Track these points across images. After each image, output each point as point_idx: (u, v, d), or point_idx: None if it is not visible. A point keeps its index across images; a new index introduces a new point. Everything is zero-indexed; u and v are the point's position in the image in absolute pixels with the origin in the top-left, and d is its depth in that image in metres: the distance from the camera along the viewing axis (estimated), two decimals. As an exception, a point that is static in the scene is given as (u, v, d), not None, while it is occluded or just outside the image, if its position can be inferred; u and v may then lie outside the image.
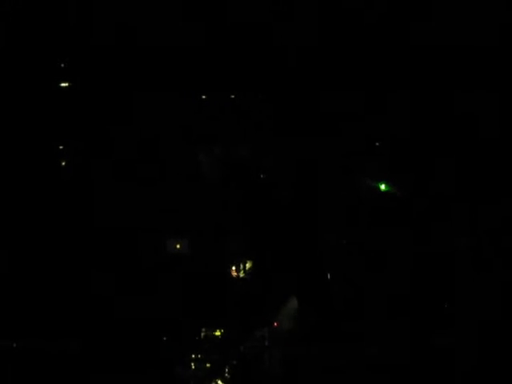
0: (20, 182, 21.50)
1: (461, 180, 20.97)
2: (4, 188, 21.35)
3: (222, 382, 21.16)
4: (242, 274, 22.04)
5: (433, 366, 19.87)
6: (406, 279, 21.01)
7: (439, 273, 20.80)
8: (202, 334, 21.59)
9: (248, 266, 22.09)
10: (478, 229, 20.64)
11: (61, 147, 22.15)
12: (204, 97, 22.47)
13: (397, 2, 21.22)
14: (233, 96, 22.41)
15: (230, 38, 21.55)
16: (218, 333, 21.68)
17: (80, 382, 20.13)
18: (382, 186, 21.94)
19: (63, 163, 22.14)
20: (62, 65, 21.75)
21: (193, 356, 21.26)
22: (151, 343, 20.97)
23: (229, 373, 21.19)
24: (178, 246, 22.11)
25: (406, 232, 21.26)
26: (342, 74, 21.70)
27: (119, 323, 20.95)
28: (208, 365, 21.27)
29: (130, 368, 20.47)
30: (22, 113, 21.48)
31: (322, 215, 22.00)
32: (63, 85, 21.96)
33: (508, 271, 20.09)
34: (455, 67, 21.04)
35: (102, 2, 21.31)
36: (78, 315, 20.84)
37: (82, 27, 21.39)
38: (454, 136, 21.28)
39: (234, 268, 22.06)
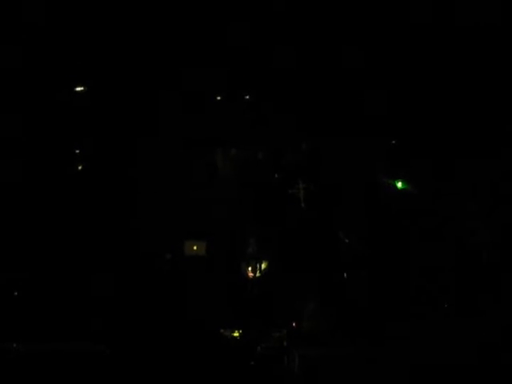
0: (29, 185, 21.73)
1: (477, 179, 20.71)
2: (13, 192, 21.59)
3: (241, 382, 21.14)
4: (258, 275, 22.02)
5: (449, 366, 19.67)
6: (424, 278, 20.84)
7: (456, 271, 20.62)
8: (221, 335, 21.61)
9: (264, 266, 22.07)
10: (494, 227, 20.39)
11: (77, 151, 22.35)
12: (219, 98, 22.48)
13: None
14: (247, 97, 22.41)
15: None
16: (236, 334, 21.69)
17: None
18: (399, 184, 21.78)
19: (80, 167, 22.34)
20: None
21: (212, 356, 21.29)
22: (168, 344, 20.99)
23: (247, 373, 21.17)
24: (195, 248, 22.17)
25: (423, 230, 21.09)
26: (355, 74, 21.63)
27: (137, 324, 21.05)
28: (226, 365, 21.27)
29: (149, 368, 20.56)
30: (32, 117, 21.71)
31: (339, 214, 21.89)
32: (78, 89, 22.14)
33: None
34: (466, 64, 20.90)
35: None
36: (94, 317, 20.97)
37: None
38: (471, 134, 21.07)
39: (250, 269, 22.05)
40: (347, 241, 21.61)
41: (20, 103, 21.37)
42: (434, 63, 21.24)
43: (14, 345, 19.57)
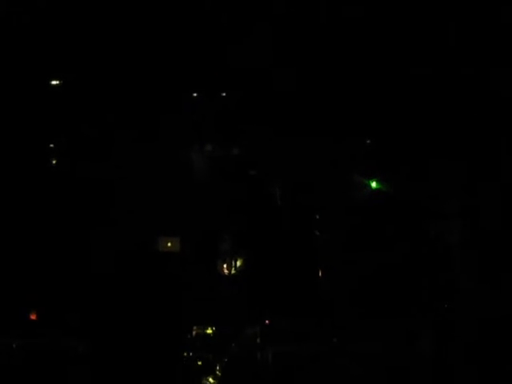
0: (17, 183, 21.51)
1: (453, 177, 20.96)
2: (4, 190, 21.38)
3: (214, 379, 21.16)
4: (233, 271, 22.04)
5: (430, 365, 19.90)
6: (398, 277, 21.04)
7: (432, 271, 20.85)
8: (194, 332, 21.58)
9: (239, 263, 22.09)
10: (469, 226, 20.66)
11: (52, 146, 22.13)
12: (195, 95, 22.42)
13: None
14: (224, 94, 22.39)
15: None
16: (209, 331, 21.68)
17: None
18: (373, 184, 21.95)
19: (54, 162, 22.13)
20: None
21: (185, 354, 21.27)
22: (143, 341, 20.92)
23: (220, 370, 21.20)
24: (169, 244, 22.09)
25: (397, 229, 21.29)
26: (335, 76, 21.76)
27: (111, 322, 20.95)
28: (200, 362, 21.28)
29: (124, 367, 20.47)
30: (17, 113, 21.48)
31: (314, 212, 22.01)
32: (54, 83, 21.91)
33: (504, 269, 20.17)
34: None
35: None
36: (71, 313, 20.82)
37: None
38: (447, 133, 21.29)
39: (225, 265, 22.05)
40: (320, 235, 21.72)
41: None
42: (411, 62, 21.41)
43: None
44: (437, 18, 20.85)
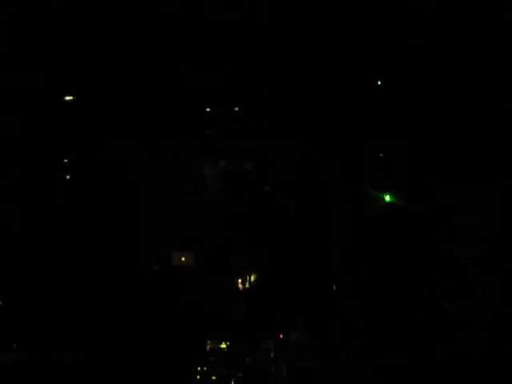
0: (25, 193, 21.66)
1: (465, 191, 20.94)
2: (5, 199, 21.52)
3: (228, 394, 21.16)
4: (247, 286, 22.04)
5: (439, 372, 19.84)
6: (413, 291, 21.02)
7: (444, 280, 20.84)
8: (208, 347, 21.57)
9: (253, 278, 22.09)
10: (481, 238, 20.65)
11: (65, 160, 22.29)
12: (208, 110, 22.53)
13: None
14: (237, 109, 22.48)
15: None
16: (223, 345, 21.67)
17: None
18: (387, 197, 21.95)
19: (68, 176, 22.29)
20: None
21: (199, 369, 21.26)
22: (158, 356, 20.95)
23: (235, 385, 21.21)
24: (183, 259, 22.14)
25: (411, 242, 21.28)
26: (346, 85, 21.81)
27: (122, 336, 20.99)
28: (214, 377, 21.25)
29: (139, 382, 20.51)
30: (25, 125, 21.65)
31: (328, 228, 22.00)
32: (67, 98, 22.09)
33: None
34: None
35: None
36: (83, 328, 20.89)
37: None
38: (459, 146, 21.31)
39: (239, 280, 22.06)
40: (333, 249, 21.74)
41: (11, 111, 21.33)
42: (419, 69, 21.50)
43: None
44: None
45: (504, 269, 20.19)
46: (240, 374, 21.25)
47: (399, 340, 20.32)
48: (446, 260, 20.84)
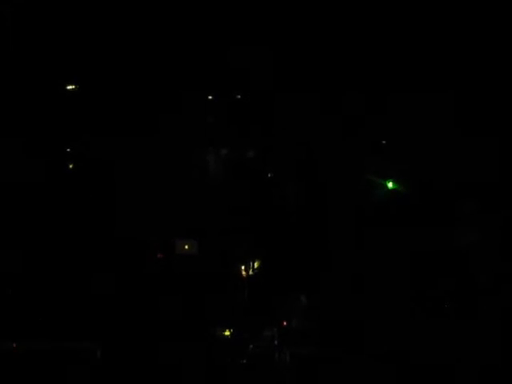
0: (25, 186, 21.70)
1: (468, 178, 20.94)
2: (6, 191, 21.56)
3: (232, 381, 21.22)
4: (251, 273, 22.09)
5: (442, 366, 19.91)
6: (414, 279, 21.03)
7: (445, 271, 20.84)
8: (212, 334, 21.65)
9: (256, 265, 22.14)
10: (484, 227, 20.62)
11: (68, 150, 22.31)
12: (210, 97, 22.52)
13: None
14: (239, 96, 22.47)
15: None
16: (227, 332, 21.75)
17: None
18: (390, 184, 21.94)
19: (71, 166, 22.31)
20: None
21: (203, 356, 21.34)
22: (161, 344, 21.02)
23: (238, 372, 21.25)
24: (186, 247, 22.18)
25: (412, 230, 21.27)
26: (345, 75, 21.80)
27: (128, 324, 21.07)
28: (218, 364, 21.33)
29: (143, 369, 20.59)
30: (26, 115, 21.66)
31: (330, 214, 22.01)
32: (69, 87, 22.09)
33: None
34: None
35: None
36: (85, 317, 20.95)
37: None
38: (461, 133, 21.31)
39: (243, 267, 22.11)
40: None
41: (12, 102, 21.36)
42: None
43: (14, 344, 19.62)
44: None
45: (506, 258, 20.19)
46: (244, 361, 21.34)
47: (404, 326, 20.37)
48: (447, 253, 20.84)
